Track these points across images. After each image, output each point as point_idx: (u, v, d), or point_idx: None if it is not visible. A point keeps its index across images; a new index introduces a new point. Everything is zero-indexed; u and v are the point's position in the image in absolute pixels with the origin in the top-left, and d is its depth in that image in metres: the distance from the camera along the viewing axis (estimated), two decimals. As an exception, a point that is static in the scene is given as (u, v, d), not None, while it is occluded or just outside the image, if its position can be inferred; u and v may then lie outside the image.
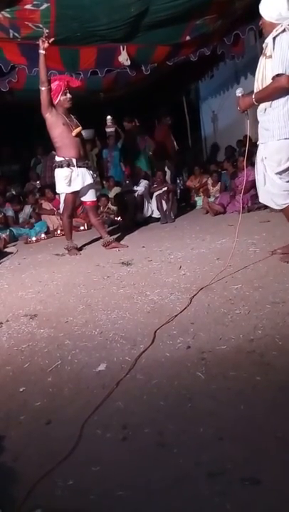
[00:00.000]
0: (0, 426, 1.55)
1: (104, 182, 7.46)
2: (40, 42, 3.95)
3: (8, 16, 4.22)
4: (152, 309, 2.48)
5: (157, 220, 6.02)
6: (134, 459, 1.29)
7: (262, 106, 2.79)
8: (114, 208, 6.56)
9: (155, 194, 6.15)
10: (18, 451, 1.40)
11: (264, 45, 2.75)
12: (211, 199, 6.28)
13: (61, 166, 4.21)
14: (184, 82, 8.56)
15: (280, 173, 2.82)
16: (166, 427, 1.41)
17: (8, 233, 5.84)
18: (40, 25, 4.32)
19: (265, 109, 2.77)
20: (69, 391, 1.73)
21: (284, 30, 2.59)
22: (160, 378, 1.71)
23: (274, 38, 2.62)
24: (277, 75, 2.61)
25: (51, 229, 6.22)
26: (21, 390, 1.78)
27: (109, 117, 7.44)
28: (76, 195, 4.36)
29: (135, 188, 6.19)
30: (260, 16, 2.76)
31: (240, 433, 1.34)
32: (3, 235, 5.64)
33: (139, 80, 6.26)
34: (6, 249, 5.25)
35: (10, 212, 6.43)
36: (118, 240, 4.75)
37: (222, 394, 1.55)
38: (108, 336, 2.20)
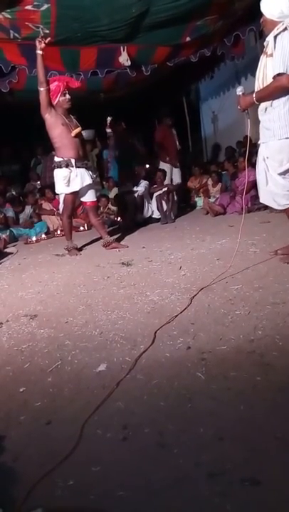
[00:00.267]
0: (0, 426, 1.55)
1: (104, 182, 7.47)
2: (36, 42, 3.95)
3: (8, 16, 4.23)
4: (152, 310, 2.48)
5: (157, 220, 6.02)
6: (134, 459, 1.29)
7: (263, 105, 2.78)
8: (114, 208, 6.56)
9: (155, 194, 6.15)
10: (19, 451, 1.40)
11: (265, 43, 2.74)
12: (212, 200, 6.28)
13: (60, 167, 4.21)
14: (184, 82, 8.57)
15: (282, 173, 2.82)
16: (167, 427, 1.41)
17: (8, 233, 5.85)
18: (41, 26, 4.33)
19: (266, 109, 2.77)
20: (69, 391, 1.73)
21: (285, 29, 2.58)
22: (160, 378, 1.71)
23: (275, 37, 2.61)
24: (278, 74, 2.61)
25: (51, 229, 6.23)
26: (21, 390, 1.78)
27: (110, 118, 7.44)
28: (75, 195, 4.36)
29: (135, 188, 6.19)
30: (261, 14, 2.75)
31: (241, 433, 1.34)
32: (4, 236, 5.64)
33: (140, 80, 6.27)
34: (6, 250, 5.25)
35: (10, 213, 6.44)
36: (118, 240, 4.76)
37: (222, 394, 1.55)
38: (108, 336, 2.20)
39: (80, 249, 4.57)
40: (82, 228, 6.19)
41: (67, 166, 4.18)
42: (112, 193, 6.85)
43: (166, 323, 2.23)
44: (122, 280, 3.16)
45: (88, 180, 4.30)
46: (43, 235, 5.96)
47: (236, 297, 2.46)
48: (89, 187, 4.36)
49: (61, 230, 6.00)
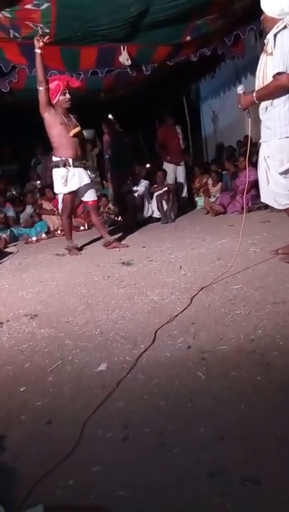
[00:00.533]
0: (0, 425, 1.55)
1: (104, 182, 7.46)
2: (35, 41, 3.94)
3: (8, 15, 4.22)
4: (153, 309, 2.48)
5: (158, 220, 6.02)
6: (134, 459, 1.29)
7: (263, 104, 2.78)
8: (114, 207, 6.56)
9: (155, 194, 6.15)
10: (19, 451, 1.40)
11: (265, 41, 2.73)
12: (212, 199, 6.28)
13: (58, 166, 4.22)
14: (185, 82, 8.56)
15: (283, 172, 2.81)
16: (167, 427, 1.41)
17: (8, 233, 5.85)
18: (41, 25, 4.32)
19: (267, 108, 2.76)
20: (70, 391, 1.73)
21: (285, 27, 2.56)
22: (161, 378, 1.71)
23: (275, 35, 2.59)
24: (278, 73, 2.60)
25: (52, 229, 6.23)
26: (22, 389, 1.78)
27: (111, 116, 7.43)
28: (74, 195, 4.35)
29: (135, 188, 6.19)
30: (261, 11, 2.73)
31: (241, 433, 1.34)
32: (4, 235, 5.65)
33: (140, 80, 6.26)
34: (6, 249, 5.25)
35: (11, 213, 6.44)
36: (119, 239, 4.75)
37: (222, 394, 1.55)
38: (109, 335, 2.20)
39: (80, 249, 4.57)
40: (82, 228, 6.19)
41: (64, 165, 4.17)
42: (109, 193, 6.87)
43: (167, 323, 2.23)
44: (123, 280, 3.16)
45: (86, 180, 4.28)
46: (44, 235, 5.96)
47: (237, 297, 2.46)
48: (89, 186, 4.36)
49: (61, 230, 5.99)
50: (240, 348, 1.87)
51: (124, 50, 5.28)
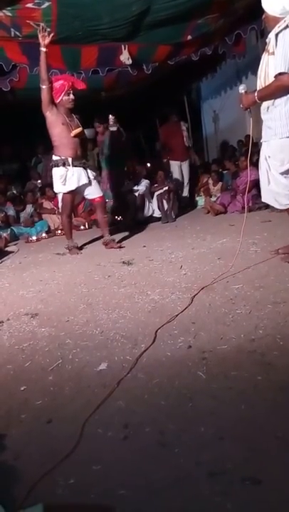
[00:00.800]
0: (1, 424, 1.55)
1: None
2: (40, 39, 3.91)
3: (9, 14, 4.22)
4: (153, 309, 2.48)
5: (158, 219, 6.02)
6: (135, 458, 1.29)
7: (265, 104, 2.77)
8: (109, 207, 6.54)
9: (156, 194, 6.15)
10: (19, 450, 1.40)
11: (267, 41, 2.72)
12: (212, 199, 6.27)
13: (57, 165, 4.22)
14: (186, 81, 8.55)
15: (284, 172, 2.81)
16: (167, 427, 1.41)
17: (9, 232, 5.85)
18: (42, 24, 4.31)
19: (268, 108, 2.75)
20: (70, 390, 1.73)
21: (287, 27, 2.54)
22: (161, 378, 1.71)
23: (276, 35, 2.58)
24: (280, 74, 2.59)
25: (52, 228, 6.23)
26: (22, 388, 1.78)
27: (111, 116, 7.43)
28: (74, 194, 4.34)
29: (136, 187, 6.19)
30: (262, 10, 2.72)
31: (241, 433, 1.34)
32: (4, 234, 5.65)
33: (141, 79, 6.26)
34: (6, 249, 5.26)
35: (11, 212, 6.44)
36: (119, 239, 4.75)
37: (223, 393, 1.55)
38: (109, 335, 2.20)
39: (80, 248, 4.57)
40: (82, 227, 6.19)
41: (64, 164, 4.17)
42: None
43: (167, 323, 2.23)
44: (123, 279, 3.16)
45: (84, 180, 4.25)
46: (44, 234, 5.96)
47: (237, 296, 2.46)
48: (91, 184, 4.32)
49: (62, 229, 5.99)
50: (241, 347, 1.87)
51: (125, 49, 5.28)
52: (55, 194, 6.33)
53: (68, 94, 4.13)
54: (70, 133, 4.14)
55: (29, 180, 7.60)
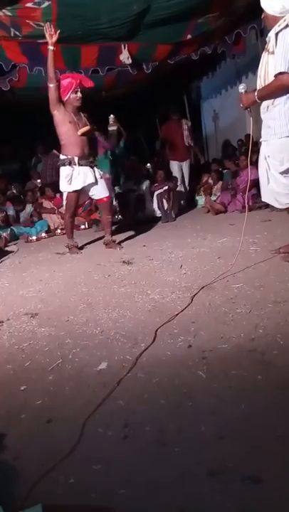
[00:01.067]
0: (1, 424, 1.55)
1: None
2: (47, 37, 3.86)
3: (9, 14, 4.22)
4: (153, 308, 2.48)
5: (158, 218, 6.01)
6: (135, 458, 1.29)
7: (265, 103, 2.76)
8: (114, 205, 6.54)
9: (156, 193, 6.14)
10: (19, 450, 1.40)
11: (267, 40, 2.71)
12: (213, 198, 6.27)
13: (64, 165, 4.20)
14: (185, 80, 8.55)
15: (284, 172, 2.80)
16: (167, 426, 1.41)
17: (9, 232, 5.84)
18: (42, 24, 4.31)
19: (268, 107, 2.75)
20: (70, 390, 1.73)
21: (287, 26, 2.53)
22: (161, 377, 1.71)
23: (276, 34, 2.57)
24: (280, 73, 2.58)
25: (52, 228, 6.22)
26: (22, 388, 1.78)
27: (111, 116, 7.42)
28: (78, 194, 4.31)
29: (136, 187, 6.19)
30: (262, 10, 2.71)
31: (241, 432, 1.34)
32: (4, 234, 5.64)
33: (140, 78, 6.25)
34: (6, 248, 5.25)
35: (11, 211, 6.44)
36: (119, 238, 4.75)
37: (223, 392, 1.55)
38: (109, 334, 2.20)
39: (80, 248, 4.57)
40: (82, 226, 6.18)
41: (70, 163, 4.16)
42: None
43: (167, 322, 2.23)
44: (123, 279, 3.16)
45: (91, 179, 4.21)
46: (44, 234, 5.96)
47: (237, 296, 2.46)
48: (98, 184, 4.28)
49: (61, 229, 5.99)
50: (241, 346, 1.87)
51: (124, 48, 5.28)
52: (55, 194, 6.36)
53: (76, 92, 4.07)
54: (77, 131, 4.11)
55: (29, 180, 7.60)
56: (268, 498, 1.08)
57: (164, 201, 5.96)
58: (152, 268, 3.35)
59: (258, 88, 2.77)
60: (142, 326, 2.24)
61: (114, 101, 7.29)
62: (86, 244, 4.83)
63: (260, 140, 2.93)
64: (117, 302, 2.66)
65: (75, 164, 4.14)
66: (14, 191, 7.06)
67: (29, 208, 6.56)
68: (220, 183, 6.68)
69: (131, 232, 5.15)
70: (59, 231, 5.98)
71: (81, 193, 4.35)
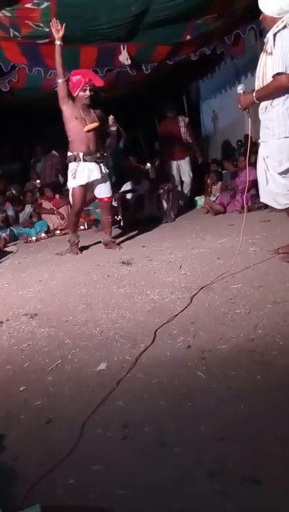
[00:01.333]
0: (0, 425, 1.55)
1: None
2: (54, 32, 3.84)
3: (8, 14, 4.21)
4: (153, 309, 2.48)
5: (158, 219, 6.01)
6: (134, 458, 1.29)
7: (263, 104, 2.76)
8: (114, 205, 6.54)
9: (155, 193, 6.13)
10: (19, 450, 1.40)
11: (265, 40, 2.72)
12: (212, 198, 6.27)
13: (70, 161, 4.19)
14: (185, 81, 8.55)
15: (283, 172, 2.80)
16: (167, 426, 1.41)
17: (8, 232, 5.84)
18: (41, 25, 4.31)
19: (266, 108, 2.75)
20: (69, 390, 1.73)
21: (285, 27, 2.54)
22: (160, 377, 1.71)
23: (275, 35, 2.58)
24: (278, 74, 2.59)
25: (51, 228, 6.22)
26: (22, 389, 1.78)
27: (111, 117, 7.41)
28: (83, 190, 4.22)
29: (136, 187, 6.18)
30: (260, 11, 2.72)
31: (241, 432, 1.34)
32: (4, 234, 5.64)
33: (140, 79, 6.25)
34: (6, 249, 5.25)
35: (10, 212, 6.43)
36: (118, 238, 4.75)
37: (222, 393, 1.55)
38: (108, 335, 2.20)
39: (81, 249, 4.53)
40: (82, 227, 6.17)
41: (75, 159, 4.15)
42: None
43: (167, 322, 2.23)
44: (122, 279, 3.16)
45: (96, 175, 4.17)
46: (43, 234, 5.95)
47: (236, 296, 2.46)
48: (101, 182, 4.25)
49: (61, 230, 5.98)
50: (240, 347, 1.87)
51: (124, 49, 5.28)
52: (54, 194, 6.35)
53: (85, 91, 4.03)
54: (84, 128, 4.07)
55: (28, 181, 7.60)
56: (267, 499, 1.08)
57: (164, 201, 5.96)
58: (152, 269, 3.35)
59: (256, 89, 2.78)
60: (142, 327, 2.24)
61: (113, 101, 7.28)
62: (85, 245, 4.83)
63: (259, 141, 2.93)
64: (116, 303, 2.66)
65: (80, 160, 4.13)
66: (14, 192, 7.06)
67: (28, 208, 6.55)
68: (219, 183, 6.68)
69: (130, 233, 5.15)
70: (58, 232, 5.98)
71: (88, 189, 4.28)
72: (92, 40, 4.95)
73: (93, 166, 4.16)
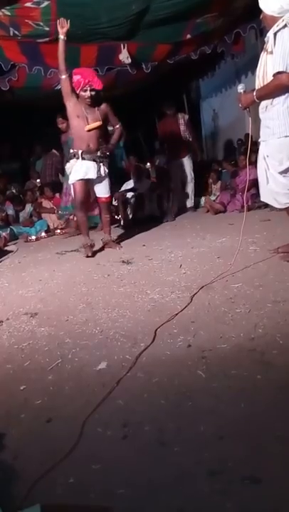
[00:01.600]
0: (0, 424, 1.55)
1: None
2: (58, 27, 3.80)
3: (8, 13, 4.21)
4: (153, 308, 2.48)
5: (158, 218, 6.01)
6: (134, 457, 1.29)
7: (263, 103, 2.76)
8: (114, 204, 6.53)
9: (155, 193, 6.13)
10: (19, 449, 1.40)
11: (265, 40, 2.71)
12: (212, 198, 6.27)
13: (70, 158, 4.18)
14: (185, 80, 8.54)
15: (283, 171, 2.80)
16: (167, 426, 1.41)
17: (8, 232, 5.84)
18: (41, 24, 4.31)
19: (266, 107, 2.75)
20: (69, 389, 1.73)
21: (285, 26, 2.53)
22: (161, 377, 1.71)
23: (275, 34, 2.57)
24: (278, 73, 2.58)
25: (51, 227, 6.22)
26: (22, 388, 1.78)
27: None
28: (83, 186, 4.16)
29: (136, 186, 6.18)
30: (260, 10, 2.71)
31: (241, 431, 1.34)
32: (4, 234, 5.64)
33: (140, 78, 6.25)
34: (6, 248, 5.25)
35: (10, 211, 6.43)
36: (118, 238, 4.75)
37: (222, 392, 1.55)
38: (109, 334, 2.20)
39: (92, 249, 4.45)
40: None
41: (74, 156, 4.15)
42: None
43: (167, 322, 2.23)
44: (123, 278, 3.16)
45: (92, 175, 4.11)
46: (43, 234, 5.95)
47: (237, 295, 2.46)
48: (99, 181, 4.22)
49: (61, 229, 5.98)
50: (241, 346, 1.87)
51: (124, 48, 5.27)
52: (54, 193, 6.34)
53: (85, 91, 3.99)
54: (85, 126, 4.03)
55: (28, 180, 7.60)
56: (267, 498, 1.08)
57: (164, 201, 5.96)
58: (152, 268, 3.35)
59: (256, 88, 2.77)
60: (142, 326, 2.24)
61: (113, 101, 7.28)
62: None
63: (259, 140, 2.93)
64: (116, 302, 2.66)
65: (78, 158, 4.12)
66: (14, 191, 7.06)
67: (28, 207, 6.55)
68: (219, 182, 6.67)
69: (130, 232, 5.15)
70: (58, 231, 5.98)
71: (89, 185, 4.23)
72: (93, 39, 4.95)
73: (91, 165, 4.12)
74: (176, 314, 2.30)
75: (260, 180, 2.99)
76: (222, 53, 6.08)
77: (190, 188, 6.40)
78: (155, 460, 1.27)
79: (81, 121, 4.05)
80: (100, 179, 4.20)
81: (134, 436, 1.39)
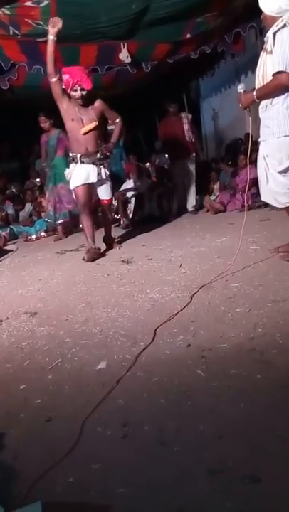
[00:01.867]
0: (0, 424, 1.55)
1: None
2: (49, 27, 3.62)
3: (8, 12, 4.20)
4: (152, 307, 2.48)
5: (158, 218, 6.01)
6: (134, 457, 1.29)
7: (263, 103, 2.76)
8: (114, 204, 6.53)
9: (156, 193, 6.14)
10: (19, 449, 1.40)
11: (265, 39, 2.72)
12: (212, 197, 6.27)
13: (70, 163, 4.10)
14: (185, 80, 8.53)
15: (283, 171, 2.80)
16: (167, 425, 1.41)
17: (8, 231, 5.85)
18: (41, 23, 4.30)
19: (266, 106, 2.75)
20: (69, 389, 1.73)
21: (284, 26, 2.54)
22: (160, 376, 1.71)
23: (274, 34, 2.58)
24: (278, 72, 2.59)
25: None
26: (21, 387, 1.78)
27: None
28: (85, 190, 4.05)
29: (135, 186, 6.18)
30: (260, 10, 2.72)
31: (241, 431, 1.34)
32: (4, 233, 5.65)
33: (140, 77, 6.24)
34: (6, 247, 5.25)
35: (10, 210, 6.44)
36: (118, 238, 4.75)
37: (222, 392, 1.55)
38: (108, 333, 2.20)
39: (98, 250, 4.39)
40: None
41: (73, 160, 4.08)
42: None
43: (167, 321, 2.23)
44: (122, 278, 3.16)
45: (93, 178, 4.03)
46: (43, 233, 5.96)
47: (236, 295, 2.46)
48: (101, 184, 4.14)
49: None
50: (240, 346, 1.87)
51: (124, 47, 5.27)
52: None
53: (75, 91, 3.87)
54: (80, 129, 3.92)
55: (28, 179, 7.60)
56: (267, 498, 1.08)
57: (164, 201, 5.96)
58: (152, 267, 3.35)
59: (256, 88, 2.77)
60: (142, 325, 2.24)
61: (113, 100, 7.27)
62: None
63: (259, 140, 2.93)
64: (116, 301, 2.66)
65: (77, 162, 4.02)
66: (13, 190, 7.06)
67: (28, 207, 6.56)
68: (218, 182, 6.67)
69: (130, 232, 5.15)
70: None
71: (92, 189, 4.12)
72: (92, 38, 4.95)
73: (91, 168, 4.01)
74: (176, 314, 2.30)
75: (260, 179, 2.99)
76: (222, 53, 6.08)
77: (192, 191, 6.23)
78: (155, 459, 1.27)
79: (76, 124, 3.93)
80: (100, 182, 4.11)
81: (134, 435, 1.39)
